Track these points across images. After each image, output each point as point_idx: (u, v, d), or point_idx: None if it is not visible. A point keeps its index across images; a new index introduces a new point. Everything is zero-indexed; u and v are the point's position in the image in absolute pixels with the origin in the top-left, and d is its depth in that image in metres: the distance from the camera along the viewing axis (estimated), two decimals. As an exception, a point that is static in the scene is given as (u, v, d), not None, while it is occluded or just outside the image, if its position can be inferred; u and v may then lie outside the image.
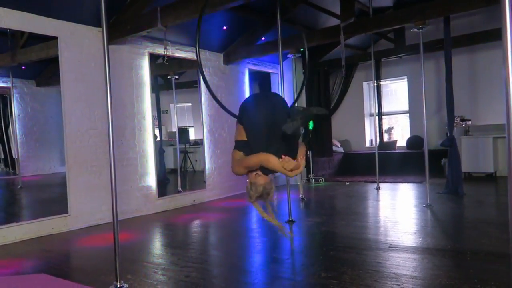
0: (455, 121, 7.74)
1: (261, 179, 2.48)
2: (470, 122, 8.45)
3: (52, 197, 5.84)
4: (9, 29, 4.82)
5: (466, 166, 7.85)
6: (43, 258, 3.98)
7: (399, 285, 2.80)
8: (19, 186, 5.67)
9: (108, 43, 3.17)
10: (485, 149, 7.89)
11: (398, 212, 5.60)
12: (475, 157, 7.99)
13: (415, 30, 5.67)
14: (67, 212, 5.13)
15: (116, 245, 3.07)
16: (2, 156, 5.67)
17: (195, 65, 7.04)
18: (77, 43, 5.30)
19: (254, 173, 2.47)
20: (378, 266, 3.24)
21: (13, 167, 5.64)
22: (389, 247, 3.76)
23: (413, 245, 3.81)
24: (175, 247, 4.34)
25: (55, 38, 5.10)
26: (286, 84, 6.34)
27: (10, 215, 5.30)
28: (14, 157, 5.57)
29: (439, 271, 3.07)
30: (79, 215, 5.23)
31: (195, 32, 2.74)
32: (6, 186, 6.01)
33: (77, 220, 5.20)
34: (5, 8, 4.62)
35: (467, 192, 6.32)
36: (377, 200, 6.54)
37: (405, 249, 3.67)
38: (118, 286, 3.00)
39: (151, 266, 3.61)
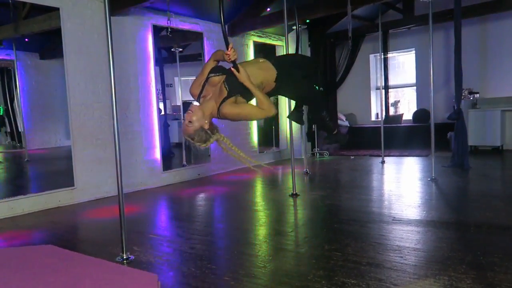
0: (463, 94, 7.62)
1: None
2: (478, 95, 8.33)
3: (59, 170, 5.88)
4: None
5: (472, 139, 7.78)
6: (51, 230, 4.05)
7: (401, 257, 2.82)
8: (25, 160, 5.71)
9: (111, 14, 3.11)
10: (492, 122, 7.79)
11: (402, 185, 5.60)
12: (482, 130, 7.90)
13: None
14: (73, 185, 5.18)
15: (121, 217, 3.11)
16: (8, 130, 5.68)
17: (199, 37, 6.93)
18: (80, 14, 5.22)
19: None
20: (382, 239, 3.26)
21: (19, 141, 5.66)
22: (393, 220, 3.77)
23: (417, 218, 3.82)
24: (180, 219, 4.39)
25: (57, 9, 5.02)
26: (291, 57, 6.24)
27: (18, 188, 5.36)
28: (20, 130, 5.58)
29: (442, 243, 3.08)
30: (85, 188, 5.28)
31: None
32: (13, 159, 6.06)
33: (83, 193, 5.26)
34: (5, -21, 4.55)
35: (472, 166, 6.29)
36: (382, 173, 6.54)
37: (408, 222, 3.68)
38: (125, 257, 3.05)
39: (157, 238, 3.67)
